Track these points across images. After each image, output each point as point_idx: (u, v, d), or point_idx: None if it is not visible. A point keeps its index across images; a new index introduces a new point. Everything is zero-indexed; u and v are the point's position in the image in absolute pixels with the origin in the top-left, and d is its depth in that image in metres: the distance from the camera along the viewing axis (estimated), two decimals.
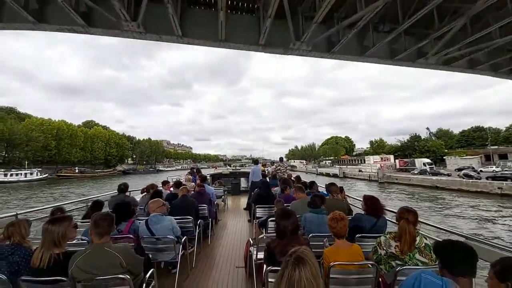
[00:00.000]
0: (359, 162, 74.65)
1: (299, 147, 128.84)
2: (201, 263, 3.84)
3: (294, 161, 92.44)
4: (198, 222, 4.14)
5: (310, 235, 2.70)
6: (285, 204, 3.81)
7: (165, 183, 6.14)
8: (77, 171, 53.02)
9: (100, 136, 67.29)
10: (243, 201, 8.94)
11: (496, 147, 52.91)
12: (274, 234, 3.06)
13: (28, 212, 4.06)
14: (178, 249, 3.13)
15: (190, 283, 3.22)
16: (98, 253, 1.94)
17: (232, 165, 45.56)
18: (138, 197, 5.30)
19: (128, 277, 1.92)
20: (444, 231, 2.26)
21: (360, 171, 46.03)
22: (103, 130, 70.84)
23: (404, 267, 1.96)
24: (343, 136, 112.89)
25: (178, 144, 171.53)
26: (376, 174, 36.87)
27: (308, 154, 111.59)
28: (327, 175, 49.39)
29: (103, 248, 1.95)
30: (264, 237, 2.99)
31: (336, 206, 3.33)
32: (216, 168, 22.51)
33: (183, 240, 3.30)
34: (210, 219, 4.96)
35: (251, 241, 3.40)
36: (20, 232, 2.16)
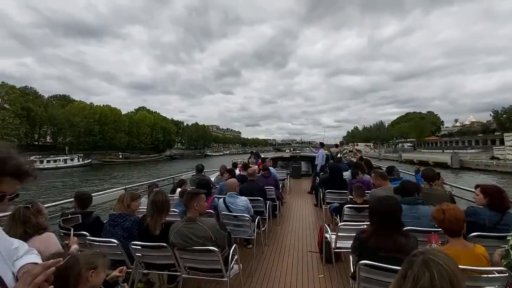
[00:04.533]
0: (479, 143, 54.04)
1: (360, 128, 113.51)
2: (273, 241, 3.95)
3: (357, 144, 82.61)
4: (267, 204, 4.23)
5: (405, 228, 2.28)
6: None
7: (236, 165, 6.71)
8: (120, 156, 50.22)
9: (145, 120, 63.86)
10: (305, 184, 8.80)
11: None
12: (353, 223, 2.80)
13: (131, 186, 5.04)
14: (253, 227, 3.27)
15: (266, 258, 3.36)
16: (192, 225, 2.15)
17: (292, 149, 44.05)
18: (212, 176, 5.84)
19: (217, 250, 2.08)
20: None
21: (493, 158, 26.76)
22: (148, 115, 67.41)
23: None
24: (424, 112, 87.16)
25: (227, 129, 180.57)
26: None
27: (374, 135, 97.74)
28: (423, 163, 27.51)
29: (196, 222, 2.16)
30: (342, 226, 2.73)
31: (437, 197, 2.71)
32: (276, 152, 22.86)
33: (256, 219, 3.42)
34: (277, 201, 5.02)
35: (327, 227, 3.21)
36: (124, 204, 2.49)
